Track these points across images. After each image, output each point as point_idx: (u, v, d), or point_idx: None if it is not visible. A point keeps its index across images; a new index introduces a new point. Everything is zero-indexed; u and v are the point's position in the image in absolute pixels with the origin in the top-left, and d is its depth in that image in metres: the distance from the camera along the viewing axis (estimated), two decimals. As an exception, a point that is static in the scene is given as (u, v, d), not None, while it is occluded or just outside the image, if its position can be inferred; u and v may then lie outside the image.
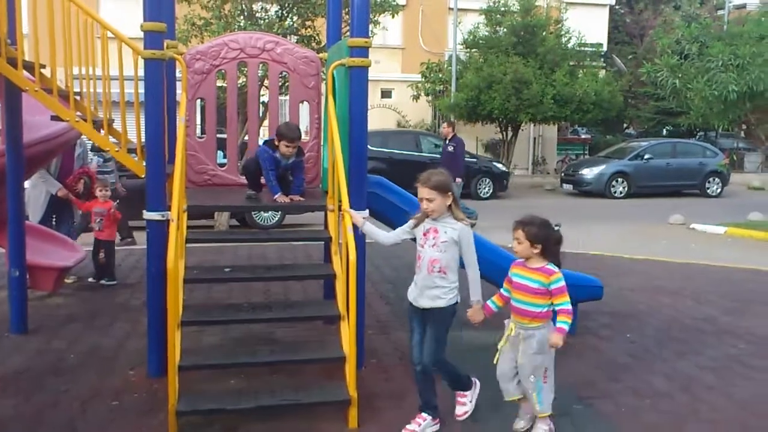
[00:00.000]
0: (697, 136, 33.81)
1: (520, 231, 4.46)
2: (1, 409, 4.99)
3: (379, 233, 4.93)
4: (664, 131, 34.56)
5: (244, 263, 9.71)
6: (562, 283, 4.40)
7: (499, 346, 4.69)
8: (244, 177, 6.64)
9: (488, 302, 4.71)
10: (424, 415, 4.75)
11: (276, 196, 6.08)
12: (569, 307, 4.37)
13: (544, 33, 25.22)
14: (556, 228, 4.52)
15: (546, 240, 4.45)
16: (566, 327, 4.33)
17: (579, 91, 23.83)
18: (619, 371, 5.99)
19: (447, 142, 14.60)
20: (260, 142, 7.51)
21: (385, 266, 9.95)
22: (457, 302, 4.66)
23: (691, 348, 6.66)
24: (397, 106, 29.22)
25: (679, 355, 6.45)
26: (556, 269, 4.44)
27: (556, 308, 4.37)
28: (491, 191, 21.36)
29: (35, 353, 6.19)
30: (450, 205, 4.59)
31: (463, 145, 14.68)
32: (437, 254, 4.56)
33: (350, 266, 4.78)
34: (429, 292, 4.61)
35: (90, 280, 8.73)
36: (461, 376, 4.97)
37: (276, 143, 6.07)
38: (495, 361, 4.72)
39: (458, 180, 14.03)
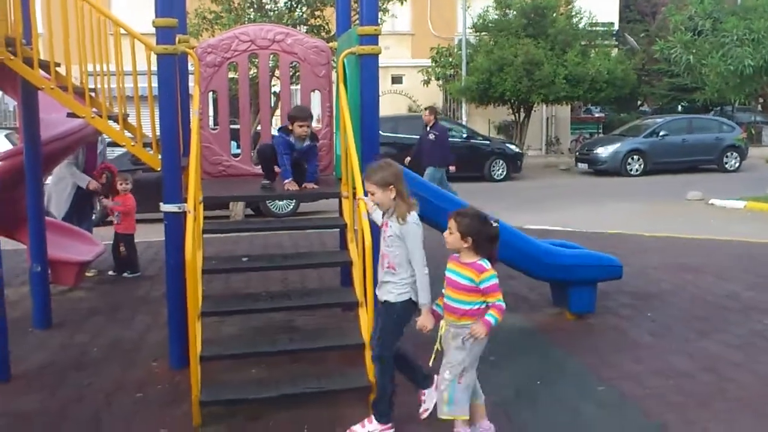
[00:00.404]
0: (713, 111, 33.54)
1: (452, 221, 4.14)
2: (27, 404, 5.06)
3: (378, 216, 4.69)
4: (679, 107, 34.32)
5: (260, 252, 9.75)
6: (494, 281, 4.05)
7: (435, 348, 4.36)
8: (258, 165, 6.66)
9: (434, 306, 4.38)
10: (422, 391, 4.70)
11: (286, 181, 6.11)
12: (502, 304, 4.05)
13: (554, 14, 25.06)
14: (494, 224, 4.16)
15: (477, 234, 4.08)
16: (493, 321, 4.01)
17: (591, 71, 23.68)
18: (642, 351, 5.96)
19: (428, 129, 13.74)
20: (273, 132, 7.55)
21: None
22: (410, 299, 4.44)
23: (714, 326, 6.61)
24: (407, 91, 29.15)
25: (702, 333, 6.40)
26: (487, 266, 4.08)
27: (489, 305, 4.06)
28: (505, 173, 21.29)
29: (59, 347, 6.27)
30: (395, 199, 4.41)
31: (446, 132, 14.03)
32: (385, 249, 4.46)
33: (366, 252, 4.79)
34: (383, 285, 4.51)
35: (110, 273, 8.83)
36: (416, 374, 4.74)
37: (290, 127, 6.12)
38: (430, 364, 4.46)
39: (452, 168, 13.79)
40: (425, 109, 14.26)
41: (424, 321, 4.35)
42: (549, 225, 11.89)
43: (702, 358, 5.81)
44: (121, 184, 8.71)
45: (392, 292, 4.46)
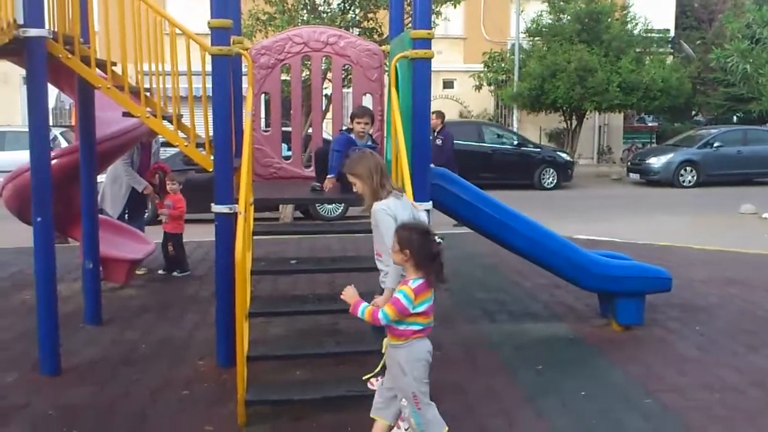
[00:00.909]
0: (770, 123, 32.80)
1: (395, 234, 3.99)
2: (76, 398, 5.17)
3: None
4: (735, 118, 33.59)
5: (307, 255, 9.82)
6: (402, 297, 3.84)
7: (380, 364, 4.27)
8: (309, 168, 6.71)
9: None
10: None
11: (328, 177, 6.15)
12: (385, 320, 3.86)
13: (609, 19, 24.73)
14: (438, 242, 3.96)
15: (416, 248, 3.87)
16: (382, 318, 3.85)
17: (645, 78, 23.32)
18: (689, 365, 5.87)
19: (435, 134, 13.13)
20: (325, 135, 7.60)
21: (447, 257, 9.86)
22: None
23: (763, 340, 6.48)
24: (459, 96, 29.06)
25: (750, 348, 6.28)
26: (410, 283, 3.88)
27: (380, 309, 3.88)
28: (555, 181, 21.07)
29: (109, 343, 6.38)
30: (375, 188, 4.45)
31: (451, 138, 13.55)
32: (373, 238, 4.60)
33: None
34: (380, 274, 4.66)
35: (160, 272, 8.96)
36: None
37: (350, 126, 6.22)
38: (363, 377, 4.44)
39: None
40: (433, 113, 13.96)
41: (378, 301, 4.22)
42: (598, 235, 11.74)
43: (750, 372, 5.70)
44: (169, 184, 8.82)
45: (383, 280, 4.59)
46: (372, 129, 7.07)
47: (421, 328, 3.97)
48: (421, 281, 3.91)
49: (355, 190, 4.58)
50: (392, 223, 4.31)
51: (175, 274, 8.88)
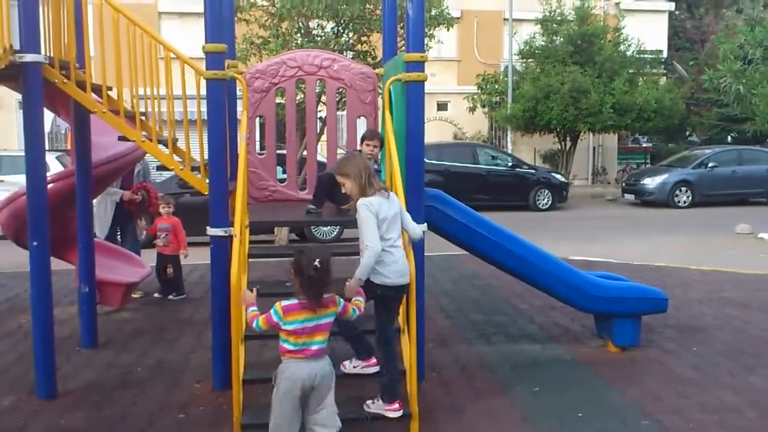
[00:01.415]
0: (766, 143, 32.95)
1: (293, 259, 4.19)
2: (74, 421, 5.15)
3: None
4: (729, 138, 33.77)
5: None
6: (272, 310, 4.10)
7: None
8: (303, 191, 6.72)
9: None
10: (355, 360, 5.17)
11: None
12: (266, 319, 4.12)
13: (601, 41, 24.91)
14: (315, 265, 4.05)
15: (300, 272, 4.07)
16: (255, 326, 4.17)
17: (639, 99, 23.45)
18: (686, 386, 5.85)
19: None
20: (318, 158, 7.61)
21: (443, 279, 9.95)
22: (382, 283, 4.70)
23: (761, 361, 6.47)
24: (453, 118, 29.17)
25: (748, 368, 6.27)
26: (283, 302, 4.13)
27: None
28: (550, 202, 21.12)
29: (105, 367, 6.36)
30: (363, 186, 4.68)
31: None
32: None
33: (410, 279, 4.80)
34: None
35: (156, 295, 8.93)
36: (360, 345, 5.20)
37: (359, 148, 6.27)
38: None
39: None
40: (371, 138, 13.47)
41: (348, 291, 4.53)
42: (593, 256, 11.76)
43: (747, 393, 5.69)
44: (163, 207, 8.76)
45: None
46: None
47: (294, 348, 4.10)
48: (294, 302, 4.13)
49: (344, 191, 4.80)
50: (371, 219, 4.57)
51: (171, 297, 8.85)
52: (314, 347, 4.12)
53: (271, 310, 4.09)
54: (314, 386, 4.12)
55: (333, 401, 4.25)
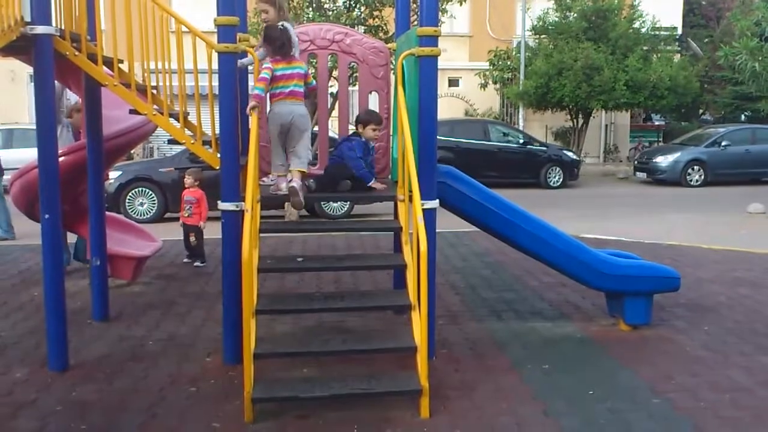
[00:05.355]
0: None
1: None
2: (85, 393, 5.18)
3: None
4: (743, 117, 33.49)
5: (314, 253, 9.82)
6: (263, 73, 5.75)
7: None
8: (317, 164, 6.69)
9: None
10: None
11: (372, 183, 6.17)
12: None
13: (616, 17, 24.67)
14: (279, 27, 5.70)
15: (269, 40, 5.69)
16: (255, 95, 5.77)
17: (653, 77, 23.25)
18: (698, 365, 5.83)
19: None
20: (330, 134, 7.57)
21: (454, 256, 9.93)
22: None
23: (772, 340, 6.44)
24: (464, 94, 29.04)
25: (759, 348, 6.24)
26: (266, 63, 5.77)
27: None
28: (561, 180, 21.04)
29: (117, 339, 6.39)
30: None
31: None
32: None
33: (422, 256, 4.78)
34: None
35: (185, 260, 9.46)
36: None
37: (360, 131, 6.25)
38: None
39: None
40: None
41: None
42: (605, 234, 11.71)
43: (759, 372, 5.66)
44: (188, 179, 9.40)
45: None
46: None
47: (278, 91, 5.79)
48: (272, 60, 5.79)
49: (264, 17, 5.93)
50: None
51: (196, 264, 9.30)
52: (290, 89, 5.79)
53: (262, 72, 5.68)
54: (291, 122, 5.78)
55: (307, 144, 5.90)
